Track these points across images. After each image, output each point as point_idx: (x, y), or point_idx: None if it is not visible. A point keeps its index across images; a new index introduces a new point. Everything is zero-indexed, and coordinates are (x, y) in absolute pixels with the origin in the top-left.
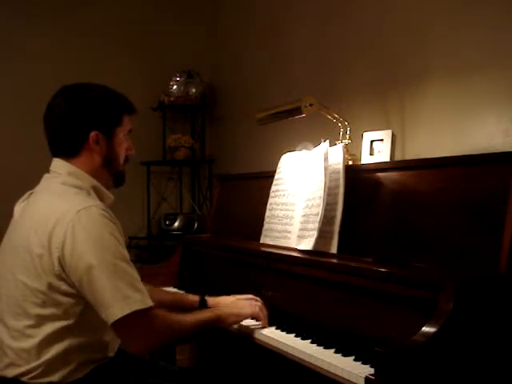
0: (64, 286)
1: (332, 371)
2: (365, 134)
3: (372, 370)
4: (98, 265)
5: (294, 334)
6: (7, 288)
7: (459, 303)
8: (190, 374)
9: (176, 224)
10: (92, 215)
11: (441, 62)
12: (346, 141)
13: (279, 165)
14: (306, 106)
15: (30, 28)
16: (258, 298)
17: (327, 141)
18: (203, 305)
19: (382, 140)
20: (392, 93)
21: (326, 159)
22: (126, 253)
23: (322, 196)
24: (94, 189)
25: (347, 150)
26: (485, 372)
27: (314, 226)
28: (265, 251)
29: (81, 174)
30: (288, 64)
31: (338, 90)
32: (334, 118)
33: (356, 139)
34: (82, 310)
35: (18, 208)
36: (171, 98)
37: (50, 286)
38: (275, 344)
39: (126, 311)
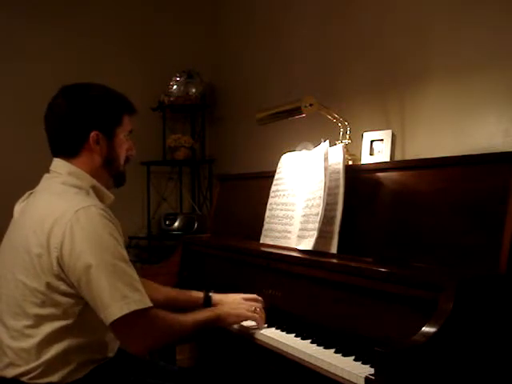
0: (63, 286)
1: (332, 371)
2: (365, 134)
3: (372, 370)
4: (96, 265)
5: (294, 334)
6: (7, 288)
7: (459, 303)
8: (189, 374)
9: (176, 224)
10: (91, 215)
11: (441, 61)
12: (346, 141)
13: (279, 165)
14: (306, 106)
15: (30, 28)
16: (260, 299)
17: (327, 141)
18: (208, 301)
19: (382, 140)
20: (392, 93)
21: (326, 159)
22: (125, 253)
23: (322, 196)
24: (94, 189)
25: (347, 150)
26: (485, 372)
27: (314, 225)
28: (265, 251)
29: (81, 174)
30: (288, 64)
31: (337, 90)
32: (334, 118)
33: (356, 139)
34: (81, 310)
35: (17, 208)
36: (171, 98)
37: (49, 286)
38: (275, 344)
39: (125, 311)
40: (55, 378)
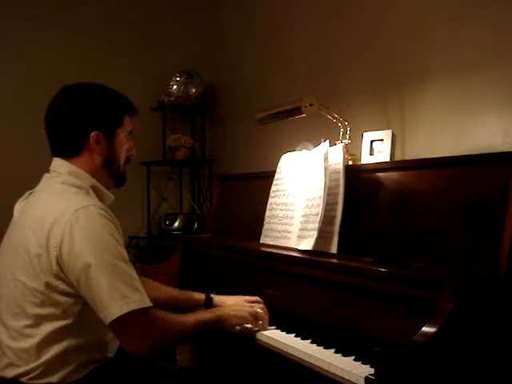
0: (62, 286)
1: (332, 371)
2: (365, 134)
3: (372, 370)
4: (96, 264)
5: (294, 334)
6: (7, 288)
7: (459, 303)
8: (189, 374)
9: (176, 224)
10: (90, 214)
11: (441, 61)
12: (346, 141)
13: (279, 165)
14: (306, 106)
15: (30, 28)
16: (261, 301)
17: (327, 141)
18: (209, 303)
19: (382, 140)
20: (392, 93)
21: (326, 159)
22: (124, 253)
23: (322, 196)
24: (94, 188)
25: (347, 150)
26: (485, 372)
27: (314, 226)
28: (265, 251)
29: (81, 174)
30: (288, 64)
31: (337, 90)
32: (334, 118)
33: (356, 139)
34: (80, 309)
35: (17, 207)
36: (171, 98)
37: (48, 286)
38: (275, 344)
39: (124, 310)
40: (55, 378)
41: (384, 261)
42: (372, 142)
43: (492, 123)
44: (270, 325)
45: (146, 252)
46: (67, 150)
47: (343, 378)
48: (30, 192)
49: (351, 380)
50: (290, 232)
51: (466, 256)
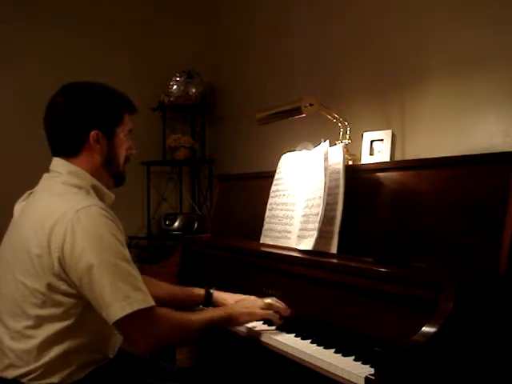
0: (64, 286)
1: (332, 371)
2: (365, 134)
3: (372, 370)
4: (98, 265)
5: (293, 334)
6: (7, 289)
7: (459, 303)
8: (190, 374)
9: (176, 224)
10: (92, 214)
11: (441, 61)
12: (346, 141)
13: (279, 165)
14: (306, 106)
15: (30, 28)
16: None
17: (327, 141)
18: (208, 298)
19: (382, 140)
20: (392, 93)
21: (326, 159)
22: (126, 252)
23: (322, 196)
24: (94, 188)
25: (347, 150)
26: (485, 372)
27: (314, 225)
28: (265, 251)
29: (81, 173)
30: (288, 64)
31: (337, 90)
32: (334, 118)
33: (356, 139)
34: (81, 310)
35: (17, 207)
36: (171, 98)
37: (50, 287)
38: (275, 344)
39: (128, 310)
40: (55, 379)
41: (384, 261)
42: (372, 142)
43: (492, 123)
44: (270, 324)
45: (146, 252)
46: (67, 149)
47: (343, 378)
48: (30, 192)
49: (351, 380)
50: (289, 232)
51: (466, 256)
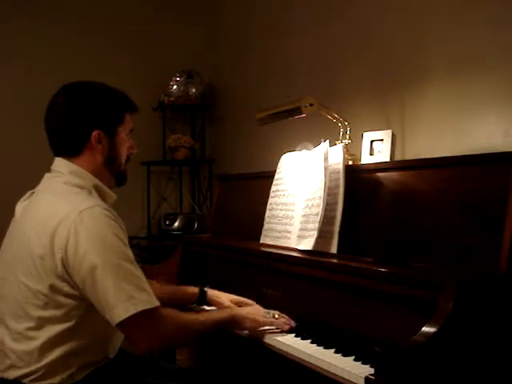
0: (66, 288)
1: (332, 371)
2: (365, 134)
3: (372, 370)
4: (101, 265)
5: (294, 334)
6: (10, 290)
7: (459, 303)
8: (190, 374)
9: (176, 224)
10: (95, 215)
11: (441, 61)
12: (346, 141)
13: (279, 165)
14: (306, 106)
15: (30, 28)
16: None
17: (327, 141)
18: (202, 296)
19: (382, 140)
20: (392, 93)
21: (326, 159)
22: (130, 253)
23: (322, 196)
24: (96, 188)
25: (347, 150)
26: (485, 372)
27: (314, 226)
28: (265, 251)
29: (83, 173)
30: (288, 64)
31: (337, 90)
32: (334, 118)
33: (356, 139)
34: (83, 312)
35: (19, 207)
36: (171, 98)
37: (52, 288)
38: (275, 344)
39: (132, 311)
40: (56, 379)
41: (384, 261)
42: (372, 142)
43: (492, 123)
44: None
45: (145, 252)
46: (68, 149)
47: (343, 378)
48: (31, 192)
49: (351, 380)
50: (289, 232)
51: (466, 256)
